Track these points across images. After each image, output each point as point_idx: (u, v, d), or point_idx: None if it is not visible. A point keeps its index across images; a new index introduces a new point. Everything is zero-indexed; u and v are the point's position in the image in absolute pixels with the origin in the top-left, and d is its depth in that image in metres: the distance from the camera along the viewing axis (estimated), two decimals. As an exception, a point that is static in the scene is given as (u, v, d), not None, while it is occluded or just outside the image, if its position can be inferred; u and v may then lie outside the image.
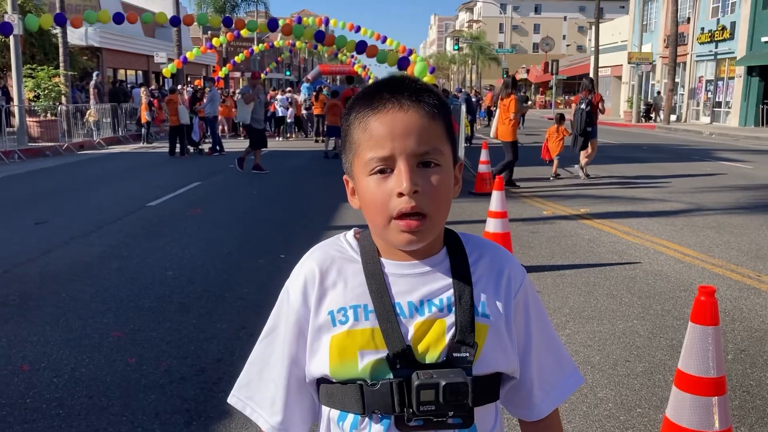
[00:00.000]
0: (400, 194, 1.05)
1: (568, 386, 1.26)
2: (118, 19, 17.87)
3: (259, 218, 8.90)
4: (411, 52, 21.10)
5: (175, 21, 19.66)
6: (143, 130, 21.65)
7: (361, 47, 16.97)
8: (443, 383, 1.04)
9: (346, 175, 1.18)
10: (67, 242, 7.29)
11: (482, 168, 10.75)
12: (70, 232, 7.75)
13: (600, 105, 12.80)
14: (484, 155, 10.81)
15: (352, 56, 35.54)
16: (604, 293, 5.51)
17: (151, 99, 21.97)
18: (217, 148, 18.52)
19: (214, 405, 3.50)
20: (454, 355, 1.08)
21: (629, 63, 35.97)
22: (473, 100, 27.20)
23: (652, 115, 35.38)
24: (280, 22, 20.19)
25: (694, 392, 2.57)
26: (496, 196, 6.12)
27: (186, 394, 3.63)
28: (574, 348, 4.30)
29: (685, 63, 35.26)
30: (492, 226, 6.03)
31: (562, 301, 5.29)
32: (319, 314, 1.14)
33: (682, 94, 35.89)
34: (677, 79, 34.36)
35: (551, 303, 5.25)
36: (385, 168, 1.07)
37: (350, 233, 1.21)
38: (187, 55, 25.81)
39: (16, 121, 18.19)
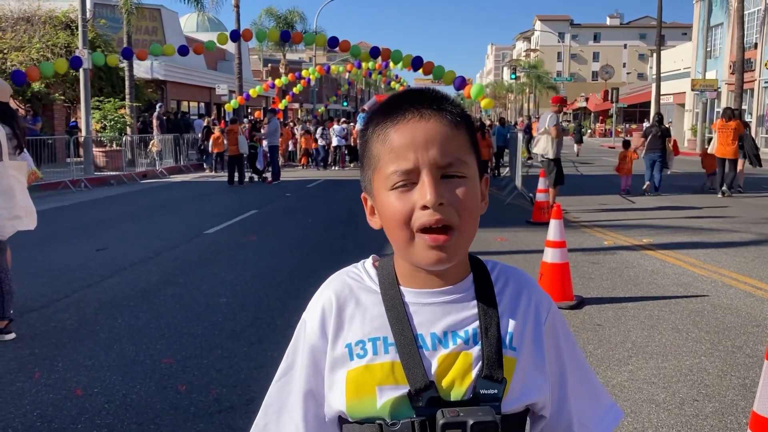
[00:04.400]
0: (424, 207, 0.98)
1: (609, 422, 1.16)
2: (182, 51, 18.43)
3: (313, 246, 8.90)
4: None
5: (234, 36, 20.28)
6: (211, 159, 22.31)
7: (417, 63, 17.01)
8: (471, 422, 0.96)
9: (364, 193, 1.11)
10: (125, 268, 7.42)
11: (540, 197, 10.53)
12: (129, 259, 7.90)
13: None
14: (541, 183, 10.60)
15: (408, 86, 35.78)
16: (668, 327, 5.25)
17: (212, 128, 22.58)
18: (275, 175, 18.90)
19: (262, 436, 3.42)
20: (481, 391, 1.01)
21: (693, 90, 35.06)
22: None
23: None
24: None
25: (772, 438, 2.37)
26: (554, 225, 5.95)
27: (234, 423, 3.57)
28: (637, 385, 4.08)
29: (752, 90, 34.16)
30: (550, 256, 5.85)
31: (624, 336, 5.06)
32: (336, 346, 1.07)
33: (750, 122, 34.72)
34: (744, 106, 33.28)
35: (613, 337, 5.02)
36: (408, 182, 1.00)
37: (369, 261, 1.15)
38: (251, 92, 26.59)
39: (83, 151, 18.87)
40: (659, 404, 3.81)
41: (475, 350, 1.03)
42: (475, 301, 1.06)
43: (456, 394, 1.01)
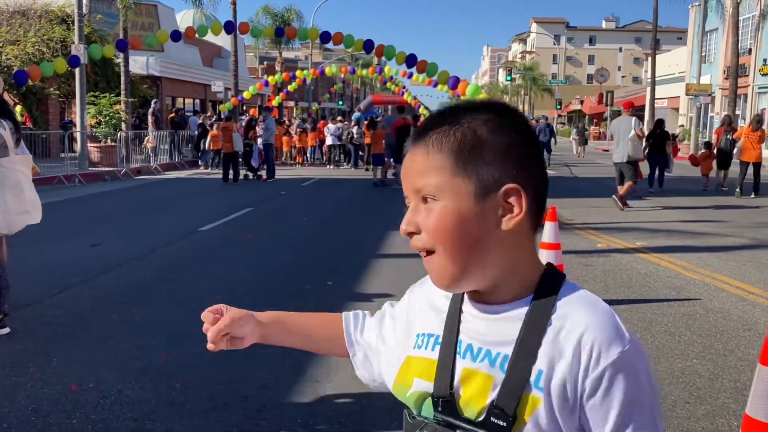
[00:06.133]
0: None
1: None
2: (175, 36, 18.40)
3: (308, 245, 8.91)
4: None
5: (229, 27, 20.15)
6: (207, 156, 22.30)
7: (411, 60, 16.92)
8: None
9: None
10: (120, 264, 7.42)
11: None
12: (123, 255, 7.89)
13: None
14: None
15: (404, 87, 35.84)
16: (661, 330, 5.29)
17: (207, 126, 22.54)
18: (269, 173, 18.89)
19: (257, 433, 3.44)
20: (492, 419, 0.98)
21: (687, 95, 35.21)
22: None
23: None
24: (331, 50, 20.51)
25: (763, 440, 2.40)
26: (549, 226, 5.97)
27: (229, 420, 3.59)
28: (629, 387, 4.10)
29: (746, 95, 34.34)
30: (544, 257, 5.87)
31: (617, 337, 5.09)
32: (411, 331, 1.16)
33: (743, 127, 34.86)
34: (738, 111, 33.44)
35: (605, 339, 5.05)
36: None
37: None
38: (244, 94, 26.57)
39: (78, 146, 18.82)
40: (651, 406, 3.84)
41: (499, 376, 1.00)
42: (520, 326, 1.01)
43: (471, 412, 1.01)
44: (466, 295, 1.09)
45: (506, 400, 0.98)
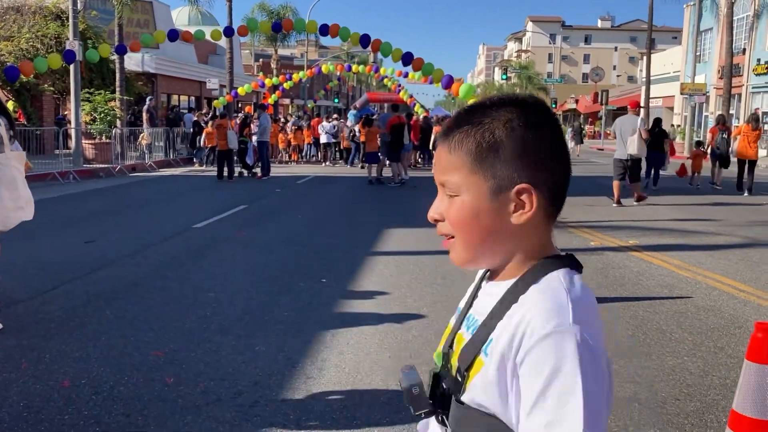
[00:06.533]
0: None
1: None
2: (172, 36, 18.33)
3: (303, 242, 8.91)
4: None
5: (228, 31, 20.06)
6: (202, 154, 22.24)
7: (407, 58, 16.89)
8: (402, 383, 1.18)
9: None
10: (114, 261, 7.42)
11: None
12: (117, 252, 7.89)
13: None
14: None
15: (399, 85, 35.83)
16: (653, 328, 5.32)
17: (202, 123, 22.51)
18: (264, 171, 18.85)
19: (250, 429, 3.46)
20: (456, 374, 1.14)
21: (682, 94, 35.32)
22: None
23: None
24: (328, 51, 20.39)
25: (749, 435, 2.42)
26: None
27: (222, 416, 3.60)
28: (620, 384, 4.14)
29: (740, 94, 34.45)
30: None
31: (608, 335, 5.12)
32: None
33: (737, 126, 34.96)
34: (732, 111, 33.55)
35: (597, 336, 5.07)
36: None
37: None
38: (239, 90, 26.47)
39: (72, 143, 18.77)
40: (642, 403, 3.87)
41: (468, 340, 1.14)
42: (498, 300, 1.12)
43: (454, 368, 1.15)
44: (487, 277, 1.23)
45: (463, 360, 1.12)
